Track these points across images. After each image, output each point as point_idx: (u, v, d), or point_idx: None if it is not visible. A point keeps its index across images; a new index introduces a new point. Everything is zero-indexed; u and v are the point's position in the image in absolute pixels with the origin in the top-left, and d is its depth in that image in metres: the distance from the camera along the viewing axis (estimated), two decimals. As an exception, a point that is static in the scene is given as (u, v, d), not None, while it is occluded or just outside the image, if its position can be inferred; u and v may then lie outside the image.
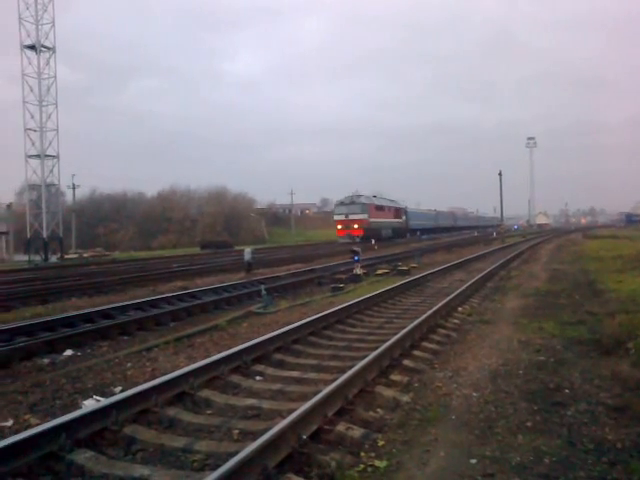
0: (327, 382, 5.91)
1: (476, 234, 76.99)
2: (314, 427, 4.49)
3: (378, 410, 5.21)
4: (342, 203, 55.65)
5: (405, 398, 5.50)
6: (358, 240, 49.86)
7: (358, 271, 18.63)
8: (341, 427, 4.60)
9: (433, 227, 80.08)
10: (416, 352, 7.50)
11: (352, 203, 54.11)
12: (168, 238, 76.21)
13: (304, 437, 4.22)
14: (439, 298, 12.43)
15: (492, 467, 3.90)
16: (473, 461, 4.01)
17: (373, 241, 47.84)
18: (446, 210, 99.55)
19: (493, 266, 20.27)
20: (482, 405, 5.23)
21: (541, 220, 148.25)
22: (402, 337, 7.54)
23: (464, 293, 12.95)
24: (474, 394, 5.58)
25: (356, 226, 52.87)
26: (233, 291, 15.25)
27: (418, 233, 69.29)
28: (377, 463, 3.96)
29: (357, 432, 4.52)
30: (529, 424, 4.70)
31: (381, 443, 4.34)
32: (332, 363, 7.12)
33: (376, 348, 6.96)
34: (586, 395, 5.45)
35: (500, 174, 50.52)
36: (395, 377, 6.28)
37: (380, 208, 59.04)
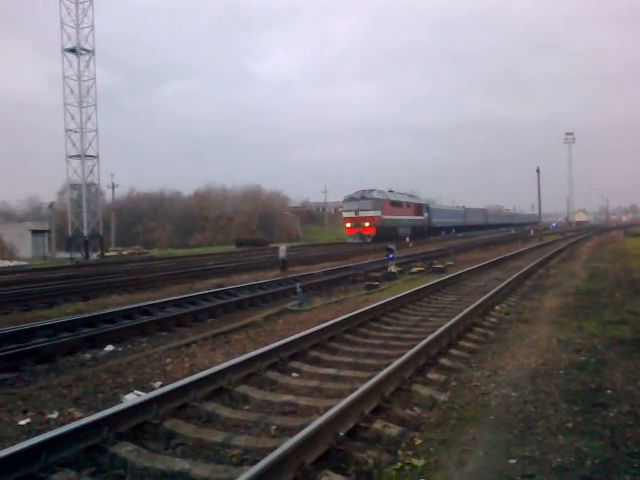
0: (363, 380, 5.92)
1: (513, 232, 74.28)
2: (351, 424, 4.49)
3: (415, 408, 5.18)
4: (351, 198, 49.54)
5: (442, 397, 5.46)
6: (369, 240, 45.78)
7: (393, 269, 18.54)
8: (378, 425, 4.59)
9: (461, 225, 74.17)
10: (453, 351, 7.43)
11: (362, 198, 48.08)
12: (204, 236, 77.18)
13: (341, 434, 4.23)
14: (476, 296, 12.28)
15: (532, 468, 3.84)
16: (512, 461, 3.96)
17: (407, 239, 46.72)
18: (477, 207, 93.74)
19: (531, 264, 19.90)
20: (521, 405, 5.15)
21: (580, 217, 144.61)
22: (439, 335, 7.47)
23: (501, 291, 12.76)
24: (513, 394, 5.50)
25: (367, 224, 47.11)
26: (268, 288, 15.39)
27: (454, 231, 65.19)
28: (415, 462, 3.94)
29: (394, 430, 4.51)
30: (570, 425, 4.61)
31: (418, 442, 4.32)
32: (368, 361, 7.11)
33: (412, 346, 6.92)
34: (629, 396, 5.31)
35: (538, 171, 49.59)
36: (432, 376, 6.23)
37: (396, 204, 53.13)
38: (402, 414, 5.00)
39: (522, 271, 17.17)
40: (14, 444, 4.28)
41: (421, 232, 58.48)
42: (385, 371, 5.60)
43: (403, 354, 6.45)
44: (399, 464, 3.92)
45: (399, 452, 4.15)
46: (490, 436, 4.44)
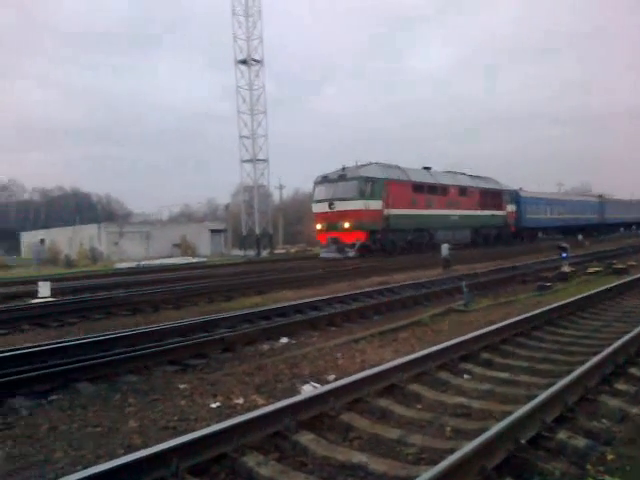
0: (541, 386, 5.64)
1: None
2: (532, 432, 4.28)
3: (603, 420, 4.79)
4: (325, 179, 29.58)
5: (635, 410, 4.98)
6: (352, 253, 27.23)
7: (566, 269, 17.30)
8: (562, 435, 4.33)
9: (594, 223, 53.00)
10: (644, 360, 6.74)
11: (341, 179, 28.52)
12: (363, 234, 78.32)
13: (522, 442, 4.06)
14: (668, 301, 11.02)
15: None
16: None
17: (580, 237, 41.12)
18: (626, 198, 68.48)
19: None
20: None
21: None
22: (626, 342, 6.83)
23: (700, 296, 11.29)
24: None
25: (347, 225, 27.48)
26: (432, 287, 15.22)
27: (581, 237, 39.92)
28: (608, 479, 3.66)
29: (581, 442, 4.21)
30: None
31: (610, 457, 3.99)
32: (545, 366, 6.72)
33: (595, 353, 6.43)
34: None
35: None
36: (620, 386, 5.72)
37: (428, 189, 32.09)
38: (588, 425, 4.66)
39: None
40: (209, 425, 4.75)
41: (499, 235, 39.02)
42: (567, 378, 5.26)
43: (586, 361, 6.02)
44: (590, 479, 3.66)
45: (588, 466, 3.87)
46: (699, 459, 3.97)
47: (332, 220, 28.17)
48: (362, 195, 27.58)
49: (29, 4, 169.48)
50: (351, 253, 27.32)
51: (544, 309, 9.67)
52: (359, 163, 29.29)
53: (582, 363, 5.97)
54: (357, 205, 27.49)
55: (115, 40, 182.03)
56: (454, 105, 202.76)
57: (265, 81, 47.31)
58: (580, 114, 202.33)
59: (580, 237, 39.85)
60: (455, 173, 36.96)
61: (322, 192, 29.42)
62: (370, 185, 28.14)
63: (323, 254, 29.03)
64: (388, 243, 29.34)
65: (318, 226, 29.47)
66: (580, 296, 11.31)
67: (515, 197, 41.57)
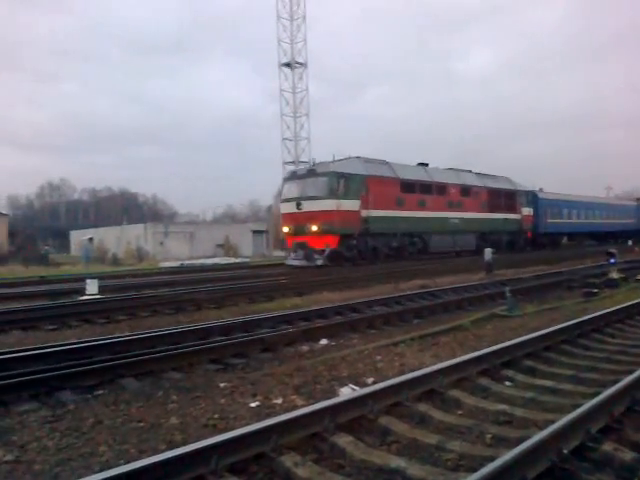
0: (586, 396, 5.48)
1: None
2: (576, 442, 4.18)
3: (651, 433, 4.64)
4: (294, 175, 26.89)
5: (685, 424, 4.80)
6: (320, 261, 24.07)
7: (614, 275, 16.79)
8: (607, 447, 4.20)
9: (632, 229, 47.39)
10: (697, 372, 6.48)
11: (311, 174, 25.04)
12: (405, 237, 77.77)
13: (565, 452, 3.96)
14: None
15: None
16: None
17: (630, 242, 39.62)
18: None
19: None
20: None
21: None
22: (678, 353, 6.59)
23: None
24: None
25: (315, 227, 23.91)
26: (474, 291, 15.03)
27: (631, 243, 38.12)
28: (656, 494, 3.53)
29: (627, 455, 4.08)
30: None
31: (660, 472, 3.86)
32: (590, 375, 6.54)
33: (644, 363, 6.23)
34: None
35: None
36: (671, 398, 5.51)
37: (423, 188, 28.46)
38: (635, 437, 4.50)
39: None
40: (248, 424, 4.80)
41: (512, 241, 34.86)
42: (613, 388, 5.11)
43: (633, 370, 5.83)
44: (637, 494, 3.55)
45: (635, 480, 3.76)
46: None
47: (300, 222, 24.67)
48: (333, 193, 23.94)
49: (84, 9, 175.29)
50: (320, 261, 24.18)
51: (590, 316, 9.41)
52: (337, 157, 25.47)
53: (629, 372, 5.78)
54: (327, 205, 23.88)
55: (163, 46, 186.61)
56: (497, 107, 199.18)
57: (308, 83, 47.65)
58: (634, 116, 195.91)
59: (630, 242, 38.66)
60: (458, 171, 32.38)
61: (290, 190, 26.05)
62: (344, 182, 24.38)
63: (289, 261, 26.09)
64: (367, 249, 25.85)
65: (285, 229, 26.25)
66: (629, 303, 10.96)
67: (532, 199, 37.13)
